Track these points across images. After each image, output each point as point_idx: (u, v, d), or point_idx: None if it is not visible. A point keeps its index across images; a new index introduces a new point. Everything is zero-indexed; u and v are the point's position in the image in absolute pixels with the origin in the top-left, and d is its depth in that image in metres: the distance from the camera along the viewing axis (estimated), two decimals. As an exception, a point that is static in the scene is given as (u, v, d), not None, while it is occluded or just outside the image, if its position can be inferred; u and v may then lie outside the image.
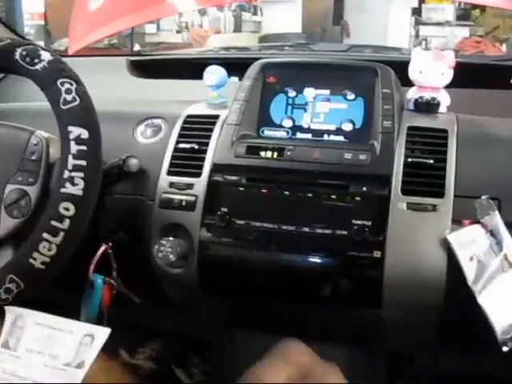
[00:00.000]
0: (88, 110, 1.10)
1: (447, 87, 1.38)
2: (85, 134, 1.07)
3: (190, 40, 7.50)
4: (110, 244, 1.29)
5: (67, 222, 1.04)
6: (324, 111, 1.36)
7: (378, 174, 1.24)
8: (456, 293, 1.14)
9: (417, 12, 7.94)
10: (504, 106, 1.49)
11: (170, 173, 1.34)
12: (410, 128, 1.29)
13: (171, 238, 1.28)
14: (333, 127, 1.34)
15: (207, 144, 1.34)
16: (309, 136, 1.35)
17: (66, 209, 1.04)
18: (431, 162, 1.23)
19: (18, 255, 1.07)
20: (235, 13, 8.01)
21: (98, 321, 1.26)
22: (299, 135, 1.35)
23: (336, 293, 1.27)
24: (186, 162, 1.33)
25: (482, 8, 7.74)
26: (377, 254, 1.19)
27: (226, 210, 1.27)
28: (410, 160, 1.24)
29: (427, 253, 1.17)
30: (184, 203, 1.30)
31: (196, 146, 1.34)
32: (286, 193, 1.26)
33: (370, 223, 1.20)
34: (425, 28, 7.81)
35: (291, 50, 2.26)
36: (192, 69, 1.71)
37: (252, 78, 1.40)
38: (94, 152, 1.08)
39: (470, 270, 1.12)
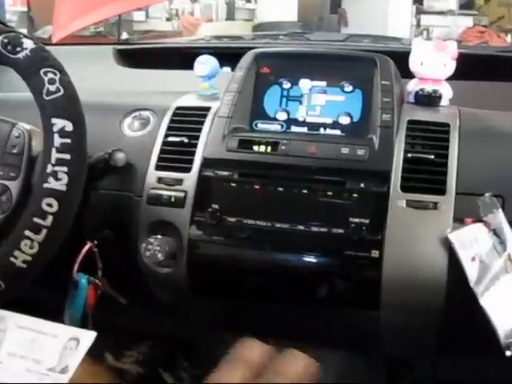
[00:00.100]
0: (72, 101, 1.10)
1: (449, 79, 1.38)
2: (69, 127, 1.07)
3: (181, 28, 7.50)
4: (95, 242, 1.29)
5: (50, 218, 1.03)
6: (320, 104, 1.36)
7: (377, 169, 1.24)
8: (457, 294, 1.15)
9: (418, 0, 7.96)
10: (508, 99, 1.49)
11: (158, 167, 1.33)
12: (410, 122, 1.29)
13: (159, 236, 1.28)
14: (329, 120, 1.34)
15: (197, 137, 1.34)
16: (304, 130, 1.35)
17: (49, 205, 1.04)
18: (432, 157, 1.23)
19: (-2, 253, 1.07)
20: (228, 0, 8.01)
21: (83, 322, 1.26)
22: (294, 129, 1.35)
23: (332, 294, 1.27)
24: (176, 157, 1.33)
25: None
26: (375, 253, 1.19)
27: (217, 206, 1.27)
28: (409, 155, 1.24)
29: (427, 252, 1.17)
30: (173, 199, 1.30)
31: (186, 140, 1.34)
32: (280, 189, 1.26)
33: (367, 221, 1.20)
34: (426, 17, 7.84)
35: (286, 40, 2.26)
36: (182, 58, 1.72)
37: (245, 69, 1.39)
38: (78, 145, 1.08)
39: (472, 271, 1.12)
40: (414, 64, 1.37)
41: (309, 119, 1.35)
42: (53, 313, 1.10)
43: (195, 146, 1.33)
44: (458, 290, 1.14)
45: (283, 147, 1.29)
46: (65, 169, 1.05)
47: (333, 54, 1.48)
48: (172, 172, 1.32)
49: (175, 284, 1.32)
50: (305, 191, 1.25)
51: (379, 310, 1.23)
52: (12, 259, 1.03)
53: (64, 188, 1.05)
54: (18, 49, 1.12)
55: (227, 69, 1.57)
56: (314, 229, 1.23)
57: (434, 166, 1.22)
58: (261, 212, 1.26)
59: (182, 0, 7.77)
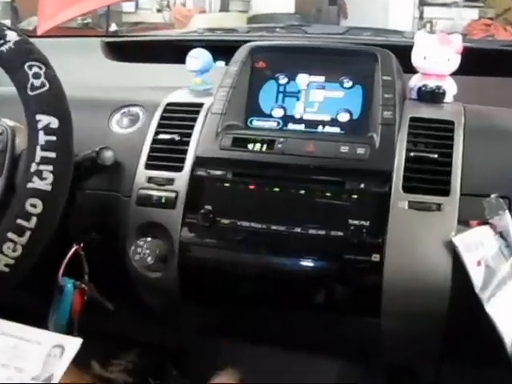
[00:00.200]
0: (58, 97, 1.10)
1: (454, 74, 1.38)
2: (54, 123, 1.06)
3: (172, 20, 7.48)
4: (82, 245, 1.29)
5: (34, 220, 1.03)
6: (318, 100, 1.36)
7: (378, 169, 1.24)
8: (462, 300, 1.15)
9: (421, -9, 7.96)
10: (516, 95, 1.49)
11: (148, 166, 1.33)
12: (412, 119, 1.29)
13: (149, 239, 1.27)
14: (328, 118, 1.34)
15: (189, 135, 1.34)
16: (301, 127, 1.34)
17: (33, 205, 1.03)
18: (435, 156, 1.23)
19: (-20, 257, 1.06)
20: (222, -10, 8.01)
21: (68, 329, 1.26)
22: (291, 126, 1.35)
23: (330, 300, 1.27)
24: (166, 155, 1.33)
25: (493, -12, 7.76)
26: (375, 257, 1.19)
27: (209, 207, 1.27)
28: (412, 154, 1.24)
29: (430, 256, 1.17)
30: (163, 200, 1.29)
31: (177, 137, 1.34)
32: (276, 189, 1.26)
33: (368, 223, 1.20)
34: (430, 9, 7.83)
35: (283, 33, 2.26)
36: (174, 52, 1.71)
37: (240, 63, 1.39)
38: (64, 143, 1.08)
39: (477, 276, 1.12)
40: (416, 58, 1.37)
41: (306, 116, 1.35)
42: (37, 319, 1.10)
43: (187, 143, 1.33)
44: (462, 296, 1.14)
45: (279, 145, 1.29)
46: (50, 167, 1.05)
47: (332, 48, 1.48)
48: (163, 171, 1.32)
49: (165, 289, 1.32)
50: (302, 192, 1.25)
51: (380, 316, 1.23)
52: (-6, 262, 1.03)
53: (49, 188, 1.05)
54: (1, 41, 1.12)
55: (221, 63, 1.57)
56: (312, 231, 1.23)
57: (438, 166, 1.22)
58: (256, 213, 1.26)
59: (174, -10, 7.78)
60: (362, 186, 1.22)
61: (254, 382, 1.33)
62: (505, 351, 1.09)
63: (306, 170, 1.26)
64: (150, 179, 1.32)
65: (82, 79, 1.54)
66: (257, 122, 1.36)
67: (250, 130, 1.35)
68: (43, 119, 1.06)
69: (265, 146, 1.29)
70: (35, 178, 1.04)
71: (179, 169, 1.31)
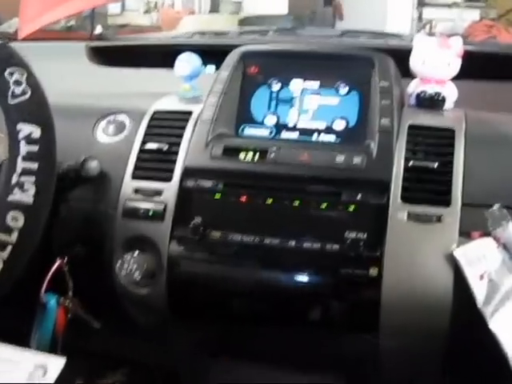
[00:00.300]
0: (40, 105, 1.10)
1: (454, 79, 1.38)
2: (36, 133, 1.06)
3: (160, 22, 7.49)
4: (66, 259, 1.29)
5: (15, 234, 1.03)
6: (313, 107, 1.36)
7: (375, 179, 1.24)
8: (464, 316, 1.15)
9: (420, -9, 7.99)
10: (519, 101, 1.50)
11: (135, 177, 1.33)
12: (411, 127, 1.29)
13: (136, 253, 1.27)
14: (323, 125, 1.34)
15: (178, 144, 1.34)
16: (295, 136, 1.35)
17: (15, 219, 1.03)
18: (435, 165, 1.23)
19: (-41, 272, 1.06)
20: (211, -10, 8.02)
21: (51, 348, 1.25)
22: (284, 135, 1.35)
23: (327, 316, 1.27)
24: (154, 165, 1.33)
25: (495, -13, 7.78)
26: (373, 271, 1.19)
27: (199, 220, 1.27)
28: (411, 163, 1.24)
29: (431, 270, 1.17)
30: (151, 212, 1.29)
31: (165, 147, 1.34)
32: (269, 201, 1.26)
33: (365, 236, 1.20)
34: (429, 10, 7.85)
35: (276, 36, 2.26)
36: (161, 56, 1.72)
37: (231, 68, 1.40)
38: (47, 153, 1.08)
39: (479, 290, 1.12)
40: (415, 63, 1.38)
41: (300, 124, 1.35)
42: (18, 337, 1.10)
43: (176, 153, 1.33)
44: (464, 311, 1.14)
45: (272, 155, 1.29)
46: (32, 179, 1.05)
47: (327, 53, 1.48)
48: (150, 182, 1.32)
49: (153, 305, 1.31)
50: (296, 203, 1.25)
51: (378, 332, 1.22)
52: (-27, 278, 1.03)
53: (31, 200, 1.05)
54: (-21, 46, 1.12)
55: (211, 68, 1.57)
56: (307, 245, 1.23)
57: (438, 175, 1.23)
58: (248, 226, 1.26)
59: (162, -9, 7.78)
60: (359, 196, 1.22)
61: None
62: (508, 368, 1.09)
63: (300, 180, 1.26)
64: (137, 190, 1.32)
65: (65, 85, 1.54)
66: (249, 131, 1.36)
67: (241, 138, 1.35)
68: (25, 128, 1.06)
69: (257, 156, 1.29)
70: (16, 190, 1.04)
71: (168, 179, 1.31)
